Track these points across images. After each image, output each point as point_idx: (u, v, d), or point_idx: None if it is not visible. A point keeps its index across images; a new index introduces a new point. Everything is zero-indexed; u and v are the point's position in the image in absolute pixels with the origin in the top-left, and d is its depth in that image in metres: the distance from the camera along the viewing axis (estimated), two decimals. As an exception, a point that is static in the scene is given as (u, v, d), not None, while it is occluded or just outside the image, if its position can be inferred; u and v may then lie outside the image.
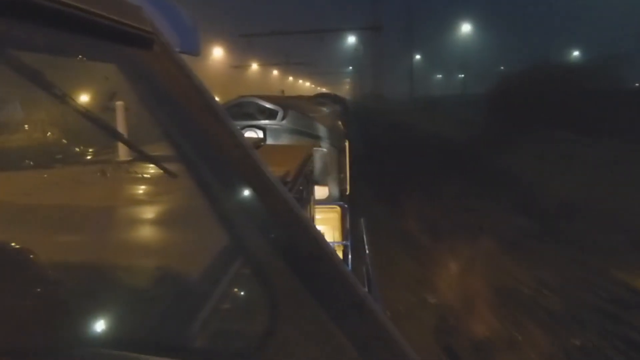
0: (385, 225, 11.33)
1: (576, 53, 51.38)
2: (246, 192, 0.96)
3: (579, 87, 25.94)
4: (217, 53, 50.31)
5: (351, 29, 68.74)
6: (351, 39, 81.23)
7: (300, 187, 3.50)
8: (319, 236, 0.96)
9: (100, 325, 1.03)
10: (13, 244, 1.19)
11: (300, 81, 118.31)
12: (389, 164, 21.34)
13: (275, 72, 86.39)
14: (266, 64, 73.95)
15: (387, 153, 24.46)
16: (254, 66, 70.82)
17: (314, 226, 0.99)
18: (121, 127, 1.42)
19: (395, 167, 20.25)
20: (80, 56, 0.92)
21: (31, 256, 1.16)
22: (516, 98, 28.61)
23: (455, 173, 17.69)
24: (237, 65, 62.09)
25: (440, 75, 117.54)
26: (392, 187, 16.19)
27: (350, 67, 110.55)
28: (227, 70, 57.04)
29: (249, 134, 6.81)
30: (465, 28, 64.18)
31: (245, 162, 0.96)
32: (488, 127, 29.00)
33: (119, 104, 1.44)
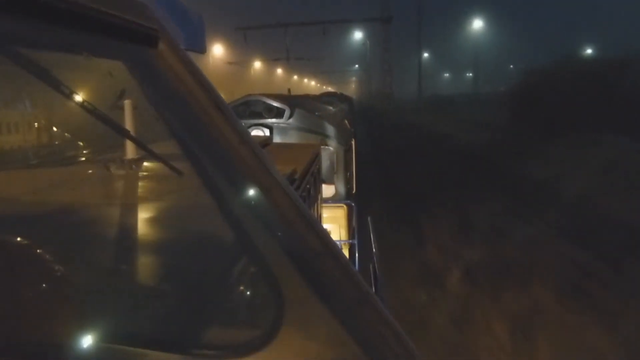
0: (401, 258, 8.84)
1: (589, 51, 50.21)
2: (252, 190, 0.96)
3: (609, 84, 22.49)
4: (211, 48, 46.90)
5: (358, 21, 63.40)
6: (357, 35, 79.63)
7: (308, 186, 3.50)
8: (325, 234, 0.96)
9: (107, 321, 1.04)
10: (22, 240, 1.20)
11: (306, 80, 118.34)
12: (401, 173, 18.58)
13: (279, 71, 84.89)
14: (266, 60, 68.99)
15: (398, 159, 21.68)
16: (254, 63, 66.31)
17: (320, 224, 0.99)
18: (129, 125, 1.42)
19: (408, 176, 17.55)
20: (86, 53, 0.93)
21: (39, 252, 1.17)
22: (540, 97, 25.30)
23: (481, 186, 14.85)
24: (233, 62, 57.56)
25: (448, 74, 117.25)
26: (407, 202, 13.61)
27: (357, 66, 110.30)
28: (223, 67, 52.91)
29: (256, 132, 6.82)
30: (474, 26, 63.57)
31: (252, 160, 0.95)
32: (510, 129, 25.71)
33: (127, 102, 1.44)
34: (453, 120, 35.50)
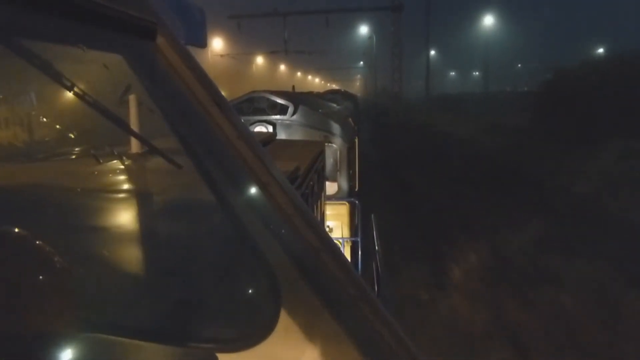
0: (419, 311, 6.73)
1: (600, 50, 49.01)
2: (249, 186, 0.95)
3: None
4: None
5: (364, 10, 56.27)
6: (363, 29, 77.54)
7: (311, 183, 3.50)
8: (322, 231, 0.95)
9: (107, 314, 1.04)
10: (20, 232, 1.20)
11: (310, 77, 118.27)
12: (412, 182, 15.98)
13: (283, 67, 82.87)
14: (262, 53, 62.88)
15: (407, 166, 19.03)
16: (254, 58, 61.35)
17: (317, 221, 0.98)
18: (133, 120, 1.42)
19: (421, 187, 15.04)
20: (85, 46, 0.92)
21: (37, 244, 1.17)
22: (569, 98, 21.73)
23: (511, 203, 12.05)
24: (225, 55, 51.20)
25: (454, 73, 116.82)
26: (421, 223, 11.22)
27: (361, 63, 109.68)
28: (220, 61, 47.91)
29: (260, 129, 6.82)
30: (484, 23, 62.79)
31: (249, 155, 0.95)
32: (534, 133, 22.42)
33: (132, 97, 1.43)
34: (467, 122, 32.33)
